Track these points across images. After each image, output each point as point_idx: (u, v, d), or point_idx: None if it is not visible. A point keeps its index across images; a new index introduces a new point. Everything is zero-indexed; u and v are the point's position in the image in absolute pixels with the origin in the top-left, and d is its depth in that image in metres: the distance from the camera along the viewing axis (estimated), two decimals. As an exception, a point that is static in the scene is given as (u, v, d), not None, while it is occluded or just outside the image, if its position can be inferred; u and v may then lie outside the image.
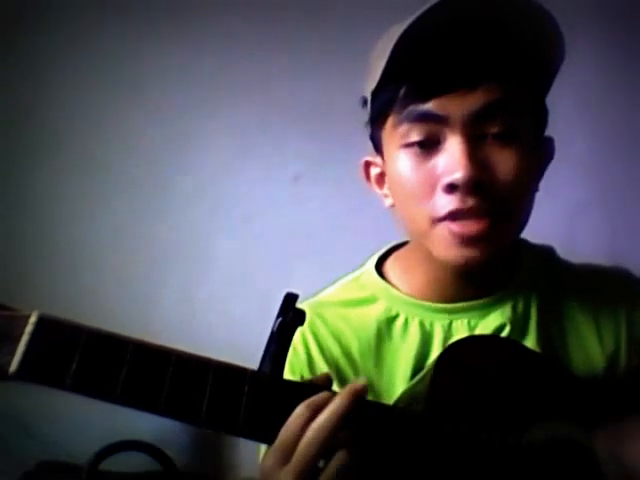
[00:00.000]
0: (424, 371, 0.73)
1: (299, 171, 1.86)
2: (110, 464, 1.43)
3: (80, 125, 1.84)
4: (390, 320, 0.81)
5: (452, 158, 0.70)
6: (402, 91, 0.72)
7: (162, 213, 1.86)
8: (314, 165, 1.84)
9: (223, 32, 1.85)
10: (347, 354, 0.80)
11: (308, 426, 0.56)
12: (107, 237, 1.83)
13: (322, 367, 0.80)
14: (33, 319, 0.55)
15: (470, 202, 0.70)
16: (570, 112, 1.84)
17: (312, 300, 0.87)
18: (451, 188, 0.70)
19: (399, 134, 0.74)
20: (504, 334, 0.78)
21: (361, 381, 0.59)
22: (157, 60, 1.86)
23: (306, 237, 1.84)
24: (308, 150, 1.86)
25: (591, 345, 0.80)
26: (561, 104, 1.80)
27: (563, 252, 0.89)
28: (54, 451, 1.63)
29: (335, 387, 0.64)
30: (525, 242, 0.86)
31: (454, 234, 0.71)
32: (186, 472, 1.64)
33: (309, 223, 1.85)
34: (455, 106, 0.70)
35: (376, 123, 0.78)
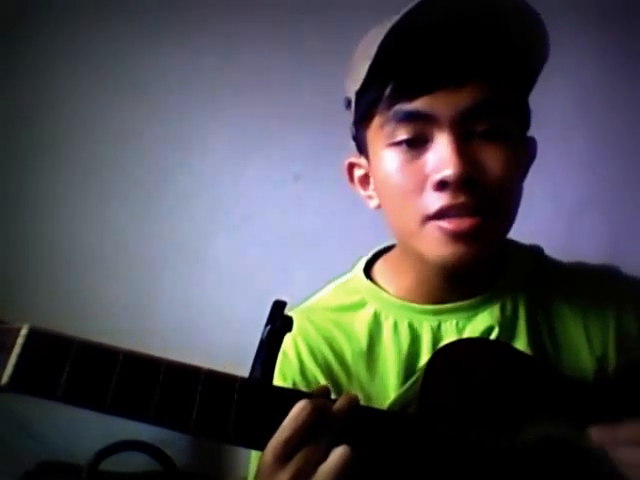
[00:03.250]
0: (415, 375, 0.73)
1: (299, 171, 1.86)
2: (110, 464, 1.43)
3: (80, 125, 1.85)
4: (380, 323, 0.81)
5: (441, 155, 0.70)
6: (388, 90, 0.72)
7: (162, 213, 1.86)
8: (314, 165, 1.85)
9: (223, 32, 1.85)
10: (339, 358, 0.80)
11: (311, 420, 0.57)
12: (107, 237, 1.84)
13: (314, 371, 0.79)
14: (24, 331, 0.56)
15: (461, 198, 0.70)
16: (570, 112, 1.84)
17: (302, 306, 0.87)
18: (442, 185, 0.70)
19: (386, 133, 0.73)
20: (493, 335, 0.78)
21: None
22: (157, 60, 1.86)
23: (306, 237, 1.84)
24: (308, 150, 1.86)
25: (580, 346, 0.80)
26: (561, 104, 1.82)
27: (563, 252, 0.89)
28: (54, 451, 1.63)
29: None
30: (512, 242, 0.86)
31: (445, 231, 0.71)
32: (186, 472, 1.64)
33: (309, 223, 1.85)
34: (442, 105, 0.70)
35: (361, 123, 0.78)
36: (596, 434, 0.65)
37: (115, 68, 1.84)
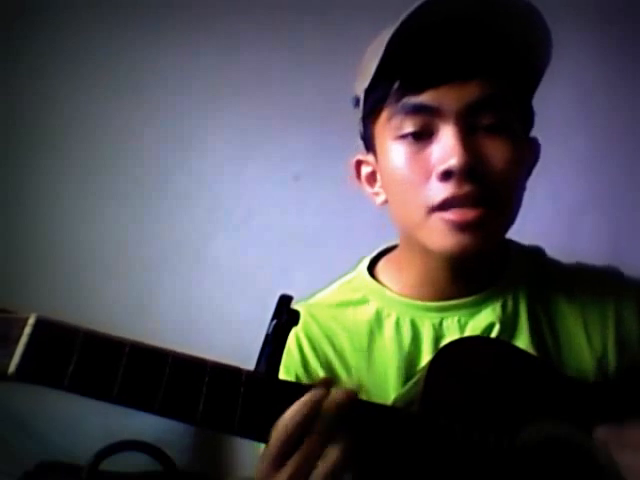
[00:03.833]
0: (417, 375, 0.73)
1: (299, 171, 1.86)
2: (110, 464, 1.43)
3: (80, 125, 1.85)
4: (382, 320, 0.82)
5: (446, 146, 0.72)
6: (396, 84, 0.74)
7: (162, 213, 1.86)
8: (314, 165, 1.85)
9: (223, 32, 1.85)
10: (340, 354, 0.81)
11: (304, 423, 0.57)
12: (107, 237, 1.84)
13: (315, 367, 0.80)
14: (31, 321, 0.56)
15: (465, 189, 0.71)
16: (570, 112, 1.84)
17: (305, 302, 0.88)
18: (446, 175, 0.72)
19: (393, 126, 0.75)
20: (494, 332, 0.78)
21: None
22: (157, 60, 1.86)
23: (306, 237, 1.84)
24: (308, 150, 1.86)
25: (581, 345, 0.81)
26: (562, 104, 1.82)
27: (563, 252, 0.89)
28: (54, 451, 1.63)
29: None
30: (513, 242, 0.87)
31: (449, 222, 0.72)
32: (186, 472, 1.64)
33: (309, 223, 1.85)
34: (448, 98, 0.72)
35: (369, 119, 0.79)
36: (601, 434, 0.65)
37: (115, 68, 1.84)
